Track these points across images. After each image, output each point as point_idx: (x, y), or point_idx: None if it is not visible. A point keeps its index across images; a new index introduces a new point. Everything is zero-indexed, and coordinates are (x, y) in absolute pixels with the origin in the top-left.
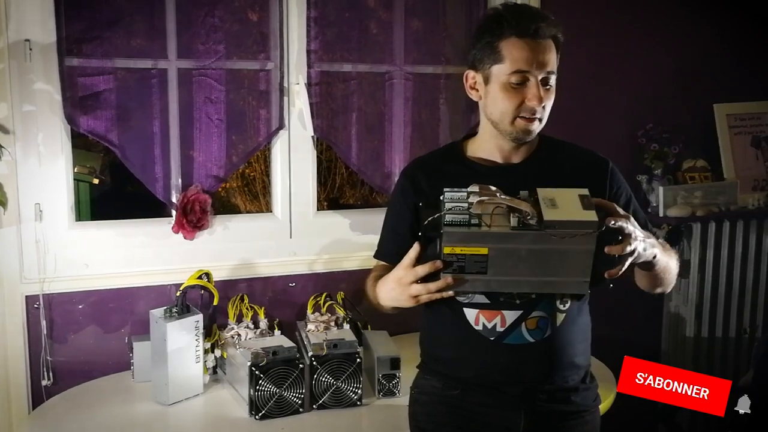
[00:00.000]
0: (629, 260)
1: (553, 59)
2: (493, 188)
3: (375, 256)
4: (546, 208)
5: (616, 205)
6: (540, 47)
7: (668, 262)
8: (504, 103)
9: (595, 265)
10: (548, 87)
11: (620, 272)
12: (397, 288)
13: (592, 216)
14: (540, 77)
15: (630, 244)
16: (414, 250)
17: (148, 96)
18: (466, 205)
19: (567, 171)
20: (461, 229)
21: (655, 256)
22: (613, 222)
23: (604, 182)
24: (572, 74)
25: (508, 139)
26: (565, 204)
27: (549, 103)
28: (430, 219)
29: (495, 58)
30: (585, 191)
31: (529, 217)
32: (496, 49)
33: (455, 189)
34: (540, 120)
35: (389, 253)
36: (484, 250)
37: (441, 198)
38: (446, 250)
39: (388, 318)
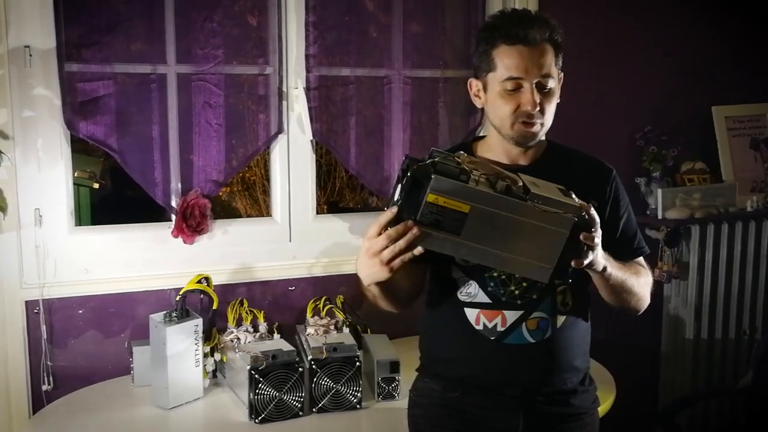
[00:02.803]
0: (591, 255)
1: (547, 63)
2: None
3: None
4: (530, 185)
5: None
6: (532, 52)
7: (627, 280)
8: (501, 109)
9: (562, 256)
10: (546, 90)
11: (585, 263)
12: (369, 260)
13: (573, 201)
14: (534, 82)
15: (597, 237)
16: (386, 215)
17: (147, 101)
18: (455, 162)
19: (573, 175)
20: (451, 180)
21: (605, 269)
22: (591, 211)
23: (605, 188)
24: (571, 76)
25: (512, 143)
26: (547, 189)
27: (549, 107)
28: (420, 164)
29: (489, 66)
30: (561, 187)
31: (517, 185)
32: (489, 57)
33: (442, 150)
34: (541, 124)
35: None
36: (465, 208)
37: (428, 155)
38: (430, 198)
39: (387, 321)
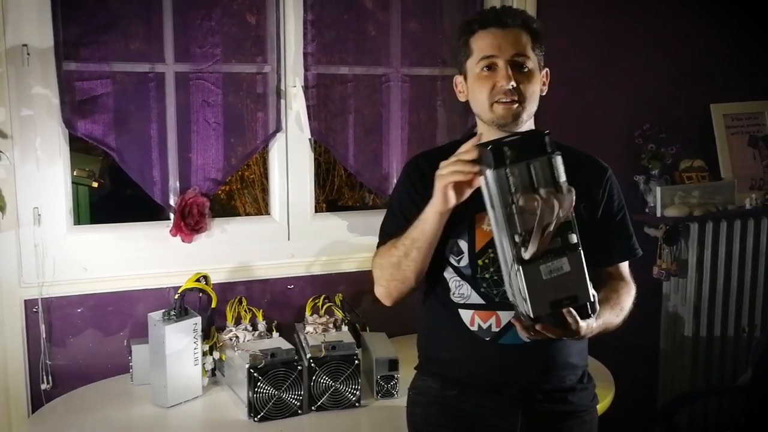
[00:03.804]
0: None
1: (522, 43)
2: (551, 211)
3: (382, 243)
4: (542, 266)
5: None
6: (505, 33)
7: (605, 327)
8: (479, 93)
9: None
10: (525, 70)
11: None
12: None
13: (537, 309)
14: (508, 59)
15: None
16: (470, 153)
17: (145, 100)
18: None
19: (566, 172)
20: (502, 185)
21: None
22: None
23: (599, 188)
24: (570, 75)
25: (495, 128)
26: (558, 280)
27: (528, 88)
28: (510, 150)
29: (467, 53)
30: (590, 298)
31: (523, 250)
32: (467, 46)
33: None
34: (520, 104)
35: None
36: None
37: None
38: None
39: (386, 320)
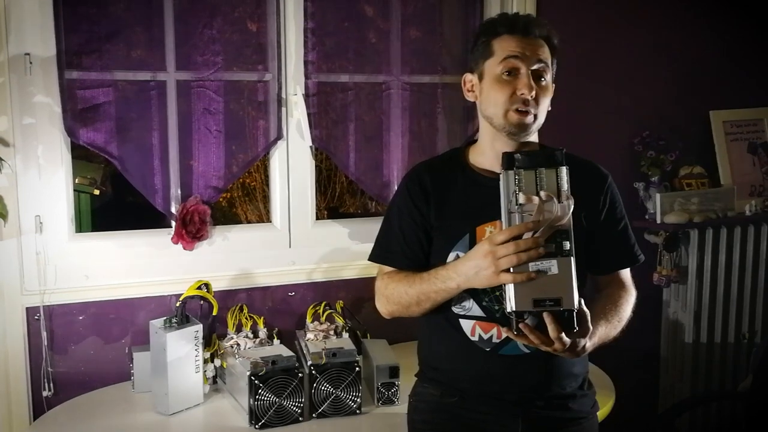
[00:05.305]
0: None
1: (545, 55)
2: (548, 213)
3: (378, 260)
4: (531, 262)
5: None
6: (531, 41)
7: (605, 340)
8: (496, 95)
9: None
10: (543, 82)
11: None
12: (485, 260)
13: (519, 304)
14: (531, 68)
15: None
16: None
17: (147, 108)
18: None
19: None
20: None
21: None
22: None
23: (599, 195)
24: (569, 82)
25: (504, 135)
26: (544, 280)
27: (544, 100)
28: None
29: (487, 54)
30: (573, 306)
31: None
32: (489, 46)
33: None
34: (534, 115)
35: (396, 256)
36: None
37: (538, 173)
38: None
39: (387, 326)
